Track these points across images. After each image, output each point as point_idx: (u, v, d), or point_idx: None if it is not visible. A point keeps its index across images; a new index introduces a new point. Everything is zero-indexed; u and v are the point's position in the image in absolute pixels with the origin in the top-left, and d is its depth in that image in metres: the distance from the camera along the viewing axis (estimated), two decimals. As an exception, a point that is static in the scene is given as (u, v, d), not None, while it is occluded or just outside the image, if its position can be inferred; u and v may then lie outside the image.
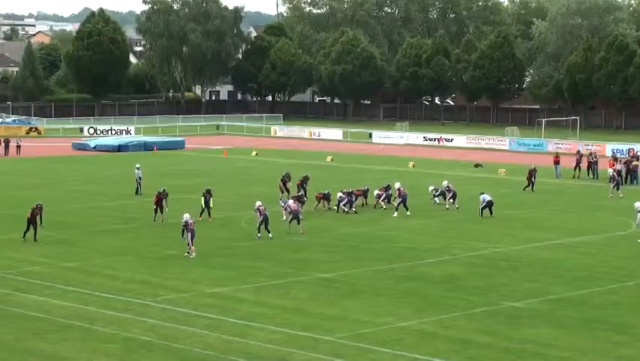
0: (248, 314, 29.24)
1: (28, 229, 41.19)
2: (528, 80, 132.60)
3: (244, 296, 31.73)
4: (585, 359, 25.42)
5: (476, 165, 75.11)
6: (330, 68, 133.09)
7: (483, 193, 50.08)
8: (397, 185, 50.20)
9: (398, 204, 48.81)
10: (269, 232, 41.60)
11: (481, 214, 48.63)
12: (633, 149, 76.67)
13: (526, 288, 33.26)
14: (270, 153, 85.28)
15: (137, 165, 57.60)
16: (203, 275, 34.80)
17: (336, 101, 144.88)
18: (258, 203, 42.46)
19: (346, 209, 49.14)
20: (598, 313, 29.97)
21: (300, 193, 50.53)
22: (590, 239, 42.57)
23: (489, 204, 48.87)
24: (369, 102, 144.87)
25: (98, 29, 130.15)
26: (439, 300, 31.46)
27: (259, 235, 41.77)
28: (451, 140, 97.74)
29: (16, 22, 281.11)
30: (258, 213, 41.90)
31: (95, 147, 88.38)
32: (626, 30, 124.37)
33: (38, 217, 41.29)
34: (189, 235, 37.84)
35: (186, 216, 38.34)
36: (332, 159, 78.11)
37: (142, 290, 32.32)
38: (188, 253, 37.86)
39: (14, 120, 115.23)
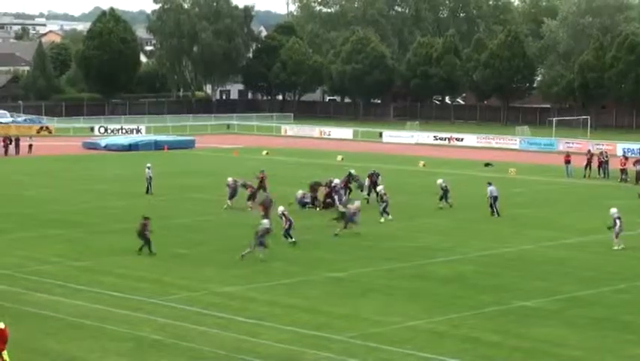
0: (258, 313, 29.31)
1: (146, 244, 38.62)
2: (539, 79, 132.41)
3: (255, 295, 31.79)
4: (595, 358, 25.43)
5: (486, 165, 75.03)
6: (340, 68, 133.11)
7: (490, 184, 49.86)
8: (380, 188, 48.99)
9: (383, 209, 47.45)
10: (291, 237, 40.29)
11: (491, 210, 48.38)
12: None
13: (536, 287, 33.27)
14: (281, 153, 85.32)
15: (148, 165, 57.66)
16: (213, 274, 34.87)
17: (347, 100, 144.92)
18: (282, 208, 41.05)
19: (341, 208, 48.83)
20: (608, 312, 29.96)
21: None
22: (600, 238, 42.32)
23: (494, 200, 48.67)
24: (379, 101, 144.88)
25: (109, 29, 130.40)
26: (450, 299, 31.48)
27: (292, 239, 40.24)
28: (462, 139, 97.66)
29: (27, 22, 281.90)
30: (283, 219, 40.29)
31: (105, 146, 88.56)
32: (637, 29, 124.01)
33: (147, 232, 38.66)
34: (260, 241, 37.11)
35: (265, 221, 37.92)
36: (342, 159, 78.09)
37: (153, 289, 32.40)
38: (250, 253, 37.25)
39: (25, 119, 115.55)
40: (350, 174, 53.41)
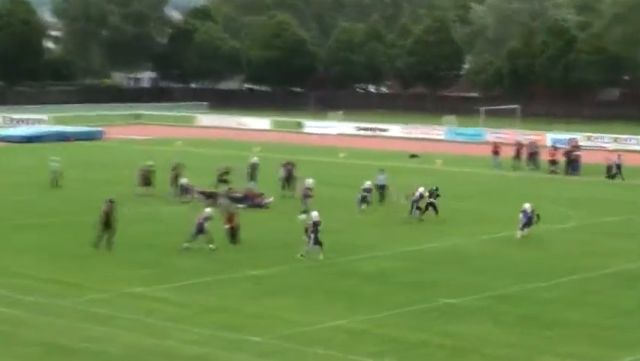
0: (170, 314, 29.23)
1: (108, 233, 38.04)
2: (466, 66, 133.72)
3: (166, 296, 31.68)
4: (521, 355, 25.89)
5: (412, 156, 75.64)
6: (258, 53, 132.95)
7: (381, 172, 51.08)
8: (309, 181, 48.79)
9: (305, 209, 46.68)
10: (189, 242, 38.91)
11: (379, 198, 49.31)
12: (575, 139, 77.80)
13: (464, 283, 33.72)
14: (194, 144, 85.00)
15: (53, 158, 57.10)
16: (125, 274, 34.62)
17: (266, 88, 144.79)
18: (208, 210, 39.55)
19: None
20: (536, 308, 30.52)
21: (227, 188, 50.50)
22: (531, 232, 42.86)
23: (381, 188, 49.81)
24: (300, 90, 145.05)
25: (8, 10, 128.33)
26: (372, 297, 31.75)
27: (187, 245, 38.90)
28: (386, 130, 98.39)
29: None
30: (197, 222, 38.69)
31: (5, 138, 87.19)
32: (567, 14, 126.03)
33: (112, 216, 37.77)
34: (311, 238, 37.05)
35: (314, 213, 37.70)
36: (260, 150, 78.06)
37: (59, 291, 32.07)
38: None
39: None
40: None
